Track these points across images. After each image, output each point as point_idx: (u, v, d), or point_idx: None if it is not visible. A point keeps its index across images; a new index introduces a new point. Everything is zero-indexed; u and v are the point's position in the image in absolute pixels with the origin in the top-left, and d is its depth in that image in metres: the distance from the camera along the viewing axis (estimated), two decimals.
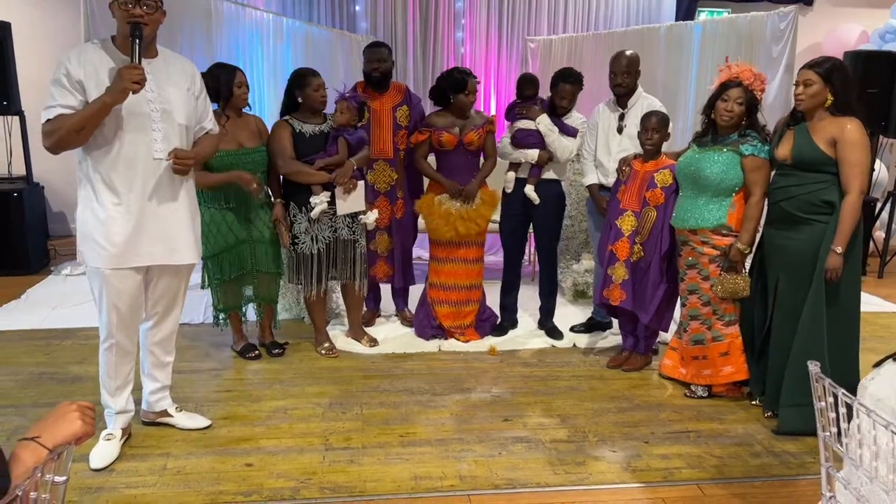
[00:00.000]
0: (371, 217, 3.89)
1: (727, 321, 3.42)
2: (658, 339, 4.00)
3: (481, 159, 4.17)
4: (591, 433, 3.15)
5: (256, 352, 3.91)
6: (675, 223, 3.48)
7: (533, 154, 4.01)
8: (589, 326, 4.44)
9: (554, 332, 4.32)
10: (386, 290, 4.58)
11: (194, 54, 5.47)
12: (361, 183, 3.81)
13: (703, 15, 7.20)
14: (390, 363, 3.92)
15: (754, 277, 3.36)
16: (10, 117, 5.59)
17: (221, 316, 3.82)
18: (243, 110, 3.69)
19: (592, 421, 3.27)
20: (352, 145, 3.78)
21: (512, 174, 4.13)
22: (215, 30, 5.55)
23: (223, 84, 3.53)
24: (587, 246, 5.25)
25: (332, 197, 3.72)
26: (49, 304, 4.79)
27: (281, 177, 3.78)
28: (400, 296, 4.55)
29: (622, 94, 3.93)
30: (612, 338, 4.32)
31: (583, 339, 4.30)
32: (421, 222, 4.29)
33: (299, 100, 3.73)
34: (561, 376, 3.78)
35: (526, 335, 4.35)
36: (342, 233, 3.83)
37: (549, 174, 4.09)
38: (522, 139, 4.06)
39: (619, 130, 3.96)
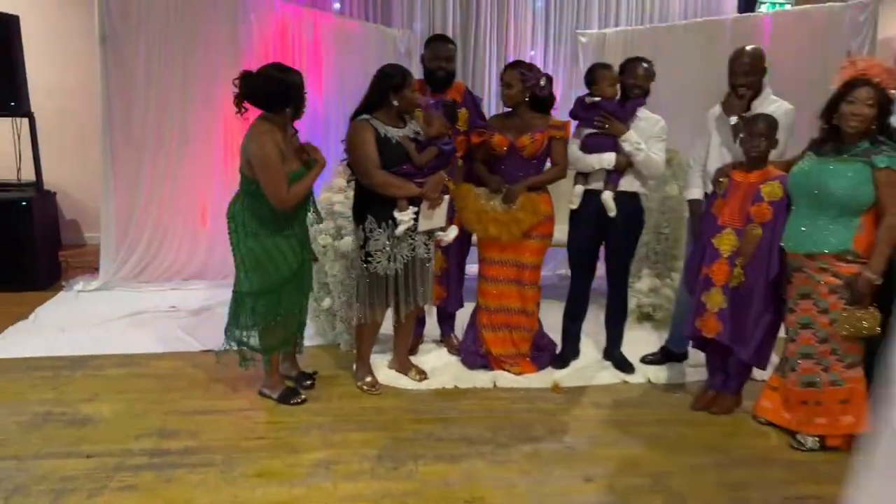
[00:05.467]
0: (451, 234, 3.44)
1: (849, 363, 2.90)
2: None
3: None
4: (693, 498, 2.64)
5: (302, 397, 3.37)
6: (788, 245, 2.96)
7: (609, 159, 3.50)
8: (663, 357, 3.92)
9: (624, 365, 3.81)
10: (431, 312, 4.08)
11: (218, 54, 5.04)
12: (446, 198, 3.35)
13: (763, 7, 6.64)
14: (442, 402, 3.42)
15: (886, 313, 2.83)
16: (18, 119, 5.15)
17: (265, 358, 3.34)
18: None
19: (690, 481, 2.75)
20: (445, 155, 3.33)
21: (580, 188, 3.61)
22: (240, 24, 5.09)
23: (294, 89, 3.02)
24: (647, 261, 4.72)
25: (417, 212, 3.27)
26: (59, 325, 4.34)
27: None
28: (446, 320, 4.06)
29: (747, 97, 3.35)
30: (691, 371, 3.80)
31: (657, 374, 3.77)
32: (475, 238, 3.79)
33: (394, 102, 3.21)
34: (641, 420, 3.27)
35: (591, 368, 3.83)
36: (420, 251, 3.36)
37: (628, 186, 3.57)
38: (595, 144, 3.55)
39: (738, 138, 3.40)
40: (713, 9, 6.19)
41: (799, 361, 3.01)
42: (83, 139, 5.79)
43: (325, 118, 5.54)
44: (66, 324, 4.36)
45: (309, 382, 3.49)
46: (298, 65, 5.32)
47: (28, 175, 5.36)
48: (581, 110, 3.63)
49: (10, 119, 5.16)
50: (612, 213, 3.50)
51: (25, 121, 5.10)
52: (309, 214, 3.30)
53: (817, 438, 3.00)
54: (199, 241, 5.32)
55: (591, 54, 5.72)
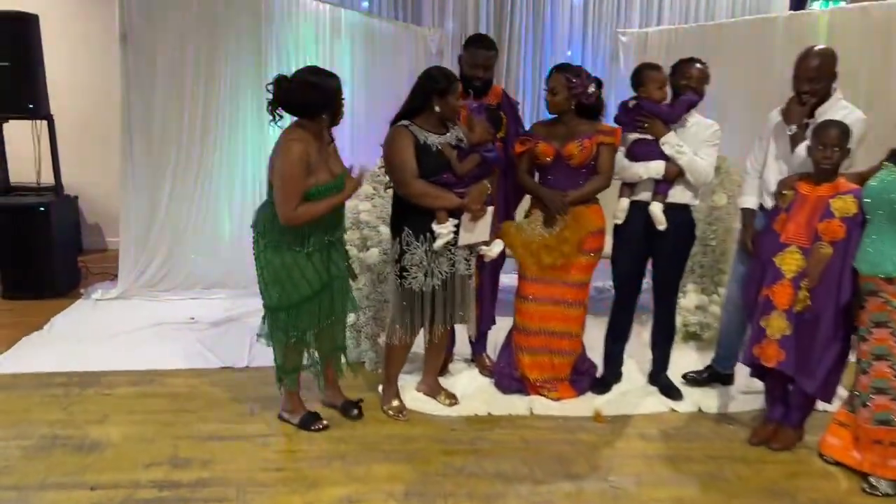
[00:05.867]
0: (496, 249, 3.18)
1: None
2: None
3: None
4: None
5: (324, 422, 3.12)
6: (862, 267, 2.65)
7: (657, 167, 3.22)
8: (709, 377, 3.63)
9: (671, 391, 3.51)
10: (461, 329, 3.82)
11: (241, 55, 4.84)
12: (491, 209, 3.09)
13: (815, 4, 6.27)
14: (474, 431, 3.16)
15: None
16: (38, 122, 5.00)
17: (289, 379, 3.10)
18: None
19: None
20: (488, 164, 3.08)
21: (625, 201, 3.33)
22: (265, 26, 4.88)
23: (330, 94, 2.79)
24: (692, 275, 4.41)
25: (457, 225, 3.02)
26: (75, 336, 4.17)
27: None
28: (478, 338, 3.79)
29: (809, 105, 3.04)
30: (742, 397, 3.50)
31: (707, 400, 3.47)
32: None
33: (436, 108, 2.96)
34: (693, 456, 2.98)
35: (635, 393, 3.54)
36: (460, 267, 3.11)
37: (678, 197, 3.28)
38: (642, 151, 3.27)
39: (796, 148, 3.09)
40: (762, 6, 5.84)
41: (872, 396, 2.70)
42: (105, 141, 5.65)
43: (352, 121, 5.32)
44: (81, 335, 4.19)
45: (356, 412, 3.23)
46: (324, 65, 5.12)
47: (49, 179, 5.23)
48: (625, 114, 3.35)
49: (30, 122, 5.01)
50: (662, 226, 3.22)
51: (45, 123, 4.95)
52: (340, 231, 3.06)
53: (893, 483, 2.69)
54: (220, 249, 5.13)
55: (631, 54, 5.43)
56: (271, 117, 2.80)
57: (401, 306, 3.12)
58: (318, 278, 2.93)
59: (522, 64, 5.81)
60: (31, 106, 4.69)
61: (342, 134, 5.19)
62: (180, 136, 4.86)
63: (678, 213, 3.27)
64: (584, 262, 3.36)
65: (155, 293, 4.91)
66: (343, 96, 2.86)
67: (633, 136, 3.32)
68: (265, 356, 3.64)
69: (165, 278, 4.99)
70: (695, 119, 3.31)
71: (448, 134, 3.05)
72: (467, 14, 5.77)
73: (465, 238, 3.05)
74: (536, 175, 3.40)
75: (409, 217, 3.04)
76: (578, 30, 5.81)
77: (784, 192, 2.93)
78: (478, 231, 3.07)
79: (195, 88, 4.81)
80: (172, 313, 4.58)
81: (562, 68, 3.25)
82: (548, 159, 3.27)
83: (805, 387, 2.89)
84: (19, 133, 5.16)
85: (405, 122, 3.01)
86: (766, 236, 2.99)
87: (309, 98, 2.75)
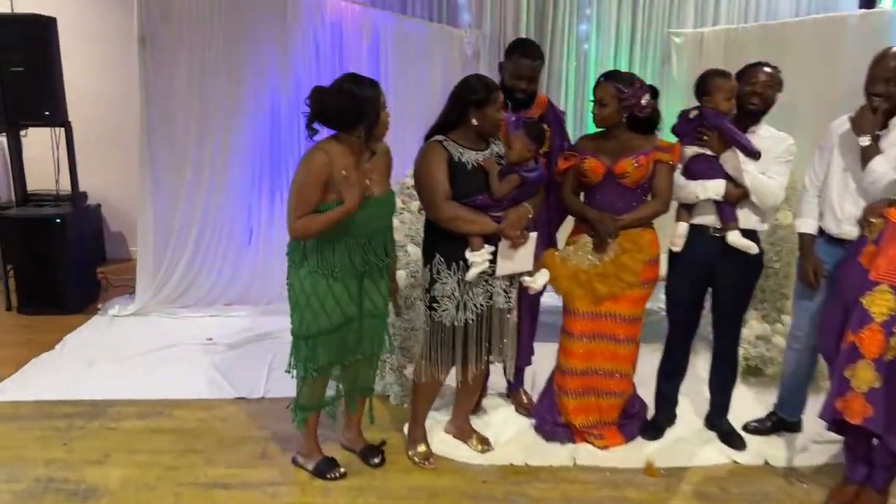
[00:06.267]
0: (540, 281, 2.83)
1: None
2: None
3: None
4: None
5: (342, 470, 2.81)
6: None
7: (716, 187, 2.83)
8: (773, 426, 3.22)
9: (732, 439, 3.12)
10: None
11: (265, 58, 4.57)
12: (534, 235, 2.74)
13: (885, 2, 5.76)
14: (509, 484, 2.81)
15: None
16: (57, 129, 4.79)
17: (297, 417, 2.79)
18: None
19: None
20: (529, 185, 2.73)
21: (684, 226, 2.95)
22: (290, 25, 4.60)
23: (369, 105, 2.47)
24: (752, 301, 3.97)
25: (494, 252, 2.68)
26: (86, 358, 3.94)
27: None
28: (515, 372, 3.43)
29: (881, 111, 2.65)
30: (814, 447, 3.09)
31: (775, 452, 3.06)
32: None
33: (473, 121, 2.63)
34: None
35: (692, 440, 3.15)
36: (498, 300, 2.77)
37: (743, 221, 2.88)
38: (701, 169, 2.89)
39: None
40: (829, 5, 5.35)
41: None
42: (128, 148, 5.39)
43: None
44: (93, 357, 3.95)
45: (377, 460, 2.91)
46: (352, 70, 4.82)
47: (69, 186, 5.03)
48: (684, 126, 2.97)
49: (49, 129, 4.81)
50: (753, 250, 2.84)
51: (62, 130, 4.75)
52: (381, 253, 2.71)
53: None
54: (243, 262, 4.87)
55: (685, 57, 5.00)
56: (308, 132, 2.50)
57: (430, 341, 2.80)
58: (341, 312, 2.61)
59: (564, 70, 5.42)
60: (47, 113, 4.47)
61: None
62: (201, 144, 4.61)
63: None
64: (638, 295, 2.99)
65: (173, 310, 4.67)
66: (385, 108, 2.53)
67: (692, 150, 2.94)
68: (282, 386, 3.41)
69: (185, 294, 4.74)
70: (766, 131, 2.92)
71: (487, 150, 2.71)
72: (506, 15, 5.39)
73: (503, 267, 2.71)
74: (582, 195, 3.04)
75: (440, 242, 2.71)
76: (626, 31, 5.39)
77: (872, 220, 2.52)
78: (518, 260, 2.72)
79: (217, 93, 4.55)
80: (190, 333, 4.33)
81: (611, 76, 2.87)
82: (597, 177, 2.90)
83: (893, 446, 2.48)
84: (39, 139, 4.97)
85: (439, 138, 2.68)
86: (849, 272, 2.58)
87: (341, 107, 2.44)
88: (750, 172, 2.79)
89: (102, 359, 3.93)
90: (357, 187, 2.44)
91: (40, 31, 4.46)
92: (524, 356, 3.31)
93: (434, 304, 2.73)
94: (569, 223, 3.16)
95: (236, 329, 4.40)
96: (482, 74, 2.78)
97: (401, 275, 3.47)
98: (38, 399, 3.44)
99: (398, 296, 3.00)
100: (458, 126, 2.68)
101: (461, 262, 2.67)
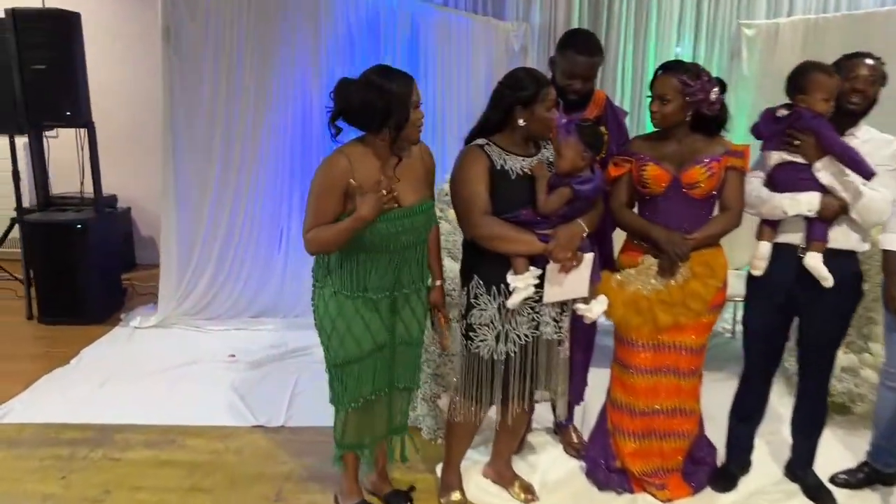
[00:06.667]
0: (597, 309, 2.42)
1: None
2: None
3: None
4: None
5: None
6: None
7: (810, 201, 2.39)
8: (865, 477, 2.76)
9: (819, 494, 2.66)
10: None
11: (296, 51, 4.27)
12: (589, 257, 2.33)
13: None
14: None
15: None
16: (81, 130, 4.58)
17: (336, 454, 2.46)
18: None
19: None
20: (582, 199, 2.32)
21: (766, 246, 2.51)
22: (324, 18, 4.29)
23: (398, 101, 2.09)
24: None
25: (540, 277, 2.29)
26: (101, 375, 3.68)
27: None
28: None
29: None
30: None
31: None
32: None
33: (520, 121, 2.25)
34: None
35: (771, 494, 2.70)
36: (546, 330, 2.38)
37: (841, 241, 2.44)
38: (789, 179, 2.44)
39: None
40: None
41: None
42: (157, 149, 5.22)
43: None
44: (108, 374, 3.70)
45: None
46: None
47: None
48: (769, 126, 2.52)
49: (73, 129, 4.60)
50: (828, 282, 2.38)
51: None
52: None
53: None
54: (271, 272, 4.58)
55: (758, 50, 4.51)
56: (330, 130, 2.16)
57: (466, 375, 2.43)
58: (371, 337, 2.27)
59: (621, 65, 4.98)
60: (68, 113, 4.24)
61: None
62: (228, 145, 4.33)
63: (840, 263, 2.42)
64: (705, 322, 2.58)
65: (197, 322, 4.40)
66: (418, 106, 2.16)
67: (778, 156, 2.49)
68: (304, 414, 3.14)
69: (210, 305, 4.48)
70: (866, 133, 2.47)
71: (538, 156, 2.34)
72: (557, 6, 4.99)
73: (551, 294, 2.32)
74: (635, 207, 2.63)
75: (479, 263, 2.34)
76: (690, 22, 4.92)
77: None
78: (569, 285, 2.32)
79: (245, 92, 4.26)
80: (212, 348, 4.06)
81: (674, 67, 2.43)
82: (660, 188, 2.48)
83: None
84: (68, 140, 4.77)
85: (480, 142, 2.31)
86: None
87: (367, 102, 2.08)
88: (853, 183, 2.34)
89: (117, 377, 3.67)
90: (373, 195, 2.09)
91: (64, 26, 4.22)
92: (576, 392, 2.90)
93: (471, 333, 2.37)
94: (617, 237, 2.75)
95: (262, 344, 4.11)
96: (530, 67, 2.39)
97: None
98: (43, 422, 3.19)
99: (446, 327, 2.51)
100: (503, 128, 2.30)
101: (503, 287, 2.30)
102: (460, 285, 2.45)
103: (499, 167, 2.26)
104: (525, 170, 2.29)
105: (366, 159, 2.15)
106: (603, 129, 2.45)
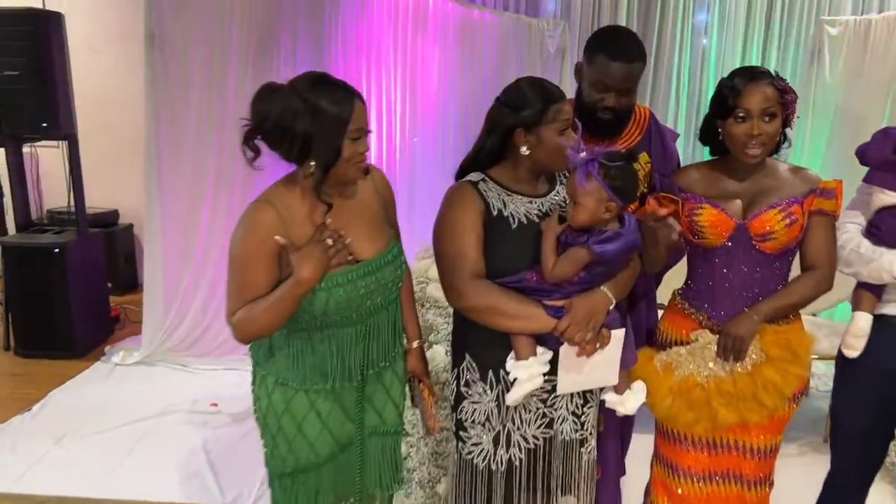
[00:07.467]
0: (633, 402, 1.79)
1: None
2: None
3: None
4: None
5: None
6: None
7: None
8: None
9: None
10: None
11: (297, 58, 3.76)
12: (620, 333, 1.69)
13: None
14: None
15: None
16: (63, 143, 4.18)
17: None
18: None
19: None
20: (607, 263, 1.67)
21: (865, 319, 1.87)
22: (329, 17, 3.78)
23: (327, 126, 1.52)
24: None
25: (553, 360, 1.69)
26: (62, 426, 3.24)
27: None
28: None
29: None
30: None
31: None
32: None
33: (523, 149, 1.67)
34: None
35: None
36: (563, 427, 1.79)
37: None
38: None
39: None
40: None
41: None
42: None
43: (443, 149, 4.11)
44: (70, 425, 3.26)
45: None
46: (408, 75, 3.94)
47: (96, 203, 4.45)
48: (885, 154, 1.87)
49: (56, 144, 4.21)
50: None
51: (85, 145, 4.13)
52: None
53: None
54: None
55: (842, 52, 3.78)
56: (244, 152, 1.60)
57: (457, 485, 1.84)
58: (331, 438, 1.72)
59: (675, 74, 4.30)
60: (44, 125, 3.81)
61: (426, 167, 4.04)
62: (219, 159, 3.85)
63: None
64: (781, 416, 1.93)
65: (185, 359, 3.94)
66: (364, 136, 1.57)
67: (889, 197, 1.84)
68: None
69: (199, 341, 4.00)
70: None
71: (551, 194, 1.75)
72: (601, 3, 4.35)
73: (567, 384, 1.70)
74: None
75: (471, 337, 1.76)
76: (758, 21, 4.23)
77: None
78: (592, 372, 1.70)
79: (237, 99, 3.76)
80: (195, 393, 3.60)
81: (761, 74, 1.78)
82: (720, 239, 1.84)
83: None
84: (62, 150, 4.40)
85: (474, 177, 1.72)
86: None
87: (281, 123, 1.52)
88: None
89: (78, 431, 3.23)
90: (316, 245, 1.53)
91: (43, 28, 3.80)
92: (609, 494, 2.26)
93: (462, 433, 1.78)
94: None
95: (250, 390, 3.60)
96: (538, 77, 1.76)
97: (438, 352, 2.56)
98: None
99: (430, 402, 1.90)
100: (503, 158, 1.71)
101: (501, 374, 1.71)
102: (451, 364, 1.87)
103: (496, 212, 1.67)
104: (532, 215, 1.69)
105: (299, 206, 1.59)
106: (645, 156, 1.82)
